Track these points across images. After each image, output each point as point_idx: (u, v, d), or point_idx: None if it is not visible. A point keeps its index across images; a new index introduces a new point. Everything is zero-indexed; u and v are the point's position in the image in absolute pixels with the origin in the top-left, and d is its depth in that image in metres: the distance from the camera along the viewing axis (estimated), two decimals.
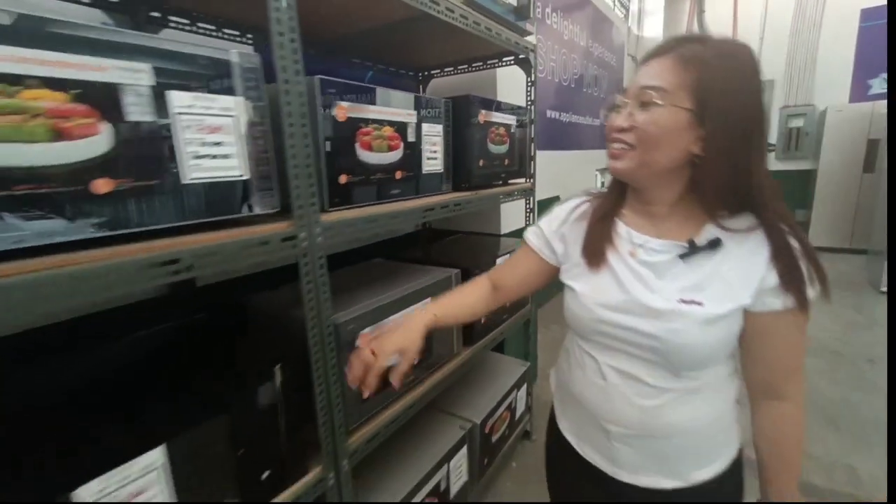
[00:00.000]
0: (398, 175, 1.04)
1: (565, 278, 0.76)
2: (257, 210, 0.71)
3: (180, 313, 1.01)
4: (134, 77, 0.55)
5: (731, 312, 0.60)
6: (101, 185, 0.53)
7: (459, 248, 1.64)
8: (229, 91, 0.65)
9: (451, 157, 1.23)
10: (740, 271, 0.60)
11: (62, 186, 0.50)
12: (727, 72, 0.57)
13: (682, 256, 0.63)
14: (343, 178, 0.89)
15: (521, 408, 1.77)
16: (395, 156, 1.02)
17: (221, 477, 0.70)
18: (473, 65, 1.76)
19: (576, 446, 0.76)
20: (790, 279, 0.58)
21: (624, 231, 0.69)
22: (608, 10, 4.41)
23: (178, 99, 0.59)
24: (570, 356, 0.77)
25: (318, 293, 0.81)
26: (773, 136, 5.33)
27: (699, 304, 0.60)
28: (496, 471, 1.63)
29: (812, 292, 0.59)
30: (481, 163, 1.32)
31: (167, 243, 0.59)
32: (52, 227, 0.50)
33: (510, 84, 1.94)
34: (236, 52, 0.66)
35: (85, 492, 0.53)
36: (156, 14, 0.98)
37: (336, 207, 0.89)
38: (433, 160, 1.15)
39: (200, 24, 1.07)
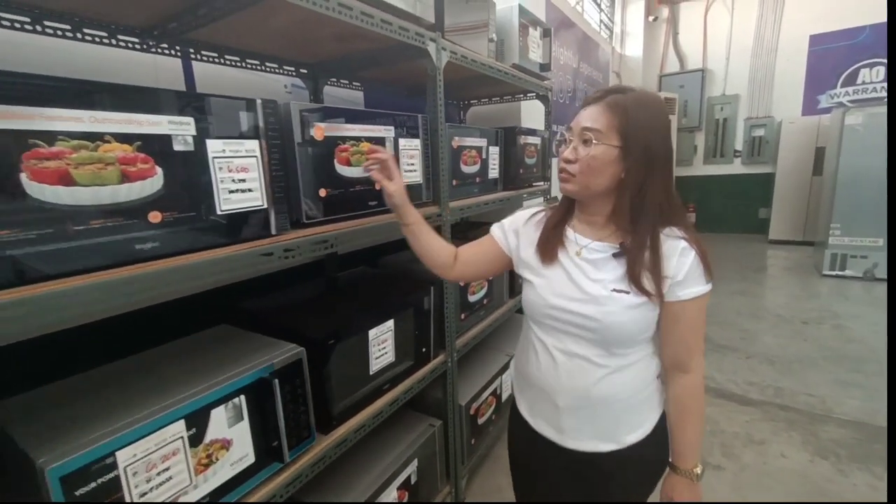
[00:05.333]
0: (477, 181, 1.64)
1: (523, 273, 0.91)
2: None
3: (343, 269, 1.59)
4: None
5: (649, 300, 0.76)
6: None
7: None
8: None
9: (503, 167, 1.83)
10: (657, 269, 0.75)
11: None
12: (642, 117, 0.73)
13: (615, 255, 0.78)
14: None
15: (507, 392, 1.95)
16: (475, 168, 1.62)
17: (409, 344, 1.28)
18: (504, 98, 2.37)
19: (530, 421, 0.92)
20: (690, 275, 0.75)
21: (572, 236, 0.84)
22: (594, 33, 5.08)
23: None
24: (526, 344, 0.92)
25: None
26: (738, 144, 6.10)
27: (626, 292, 0.76)
28: (487, 450, 1.88)
29: (705, 287, 0.76)
30: (521, 171, 1.93)
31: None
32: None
33: (530, 111, 2.56)
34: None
35: (374, 332, 1.12)
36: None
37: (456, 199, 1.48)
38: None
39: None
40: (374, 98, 1.98)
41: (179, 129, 0.69)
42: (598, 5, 5.57)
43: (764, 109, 5.83)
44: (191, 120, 0.70)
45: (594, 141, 0.75)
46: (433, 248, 0.99)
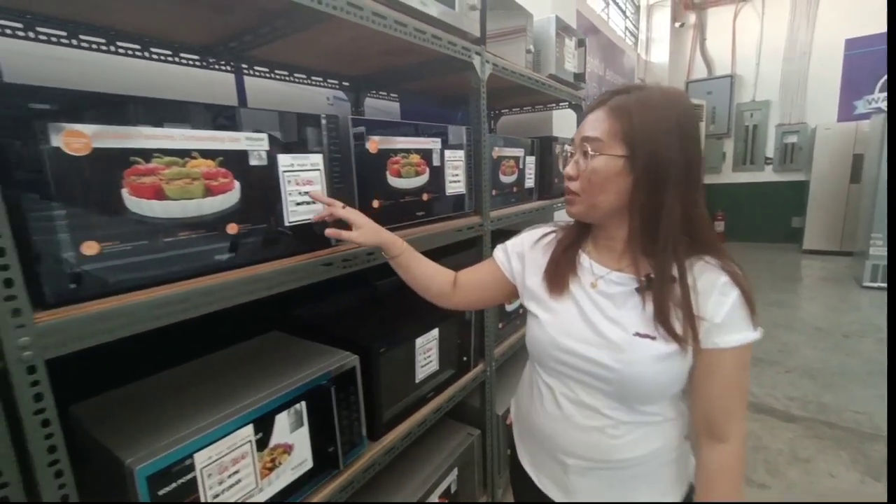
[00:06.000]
0: (515, 190, 1.65)
1: (528, 305, 0.78)
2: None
3: (382, 277, 1.61)
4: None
5: (679, 348, 0.61)
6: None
7: None
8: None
9: (538, 176, 1.84)
10: (689, 307, 0.61)
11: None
12: (649, 118, 0.61)
13: (638, 290, 0.64)
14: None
15: None
16: (514, 178, 1.63)
17: (451, 353, 1.29)
18: (536, 107, 2.38)
19: (533, 477, 0.79)
20: (731, 318, 0.61)
21: (587, 263, 0.71)
22: (619, 40, 5.05)
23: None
24: (529, 386, 0.79)
25: None
26: (769, 151, 5.94)
27: (652, 338, 0.62)
28: None
29: (751, 334, 0.61)
30: (556, 180, 1.93)
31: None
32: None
33: (561, 120, 2.56)
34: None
35: (420, 341, 1.13)
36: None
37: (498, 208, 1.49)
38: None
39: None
40: (408, 109, 2.02)
41: (255, 144, 0.72)
42: (624, 12, 5.54)
43: (797, 115, 5.68)
44: (264, 136, 0.73)
45: (593, 152, 0.64)
46: (426, 276, 0.89)
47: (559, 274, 0.73)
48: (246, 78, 1.37)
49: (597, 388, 0.67)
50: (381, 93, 1.82)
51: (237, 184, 0.71)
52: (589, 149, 0.64)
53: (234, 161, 0.70)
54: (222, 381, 0.86)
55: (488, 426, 1.51)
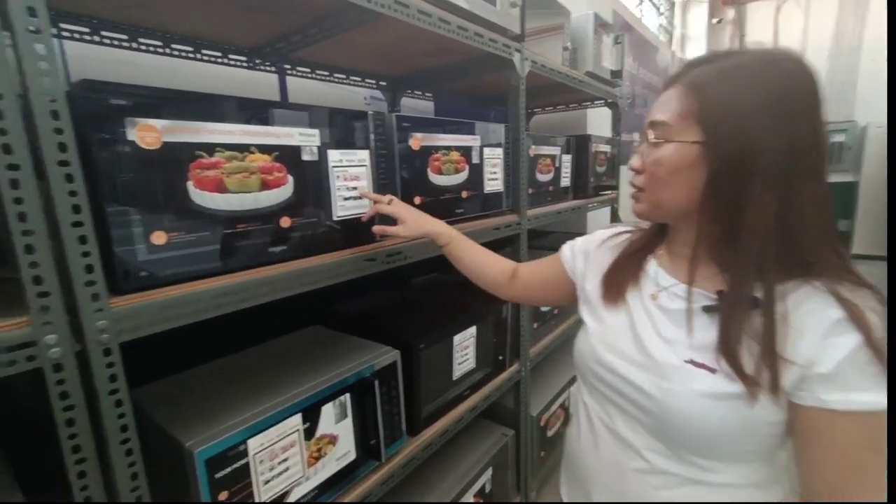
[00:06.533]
0: (550, 189, 1.63)
1: (581, 310, 0.71)
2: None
3: (415, 275, 1.62)
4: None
5: (746, 391, 0.47)
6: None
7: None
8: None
9: (574, 175, 1.81)
10: (771, 341, 0.47)
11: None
12: (730, 94, 0.48)
13: (706, 309, 0.52)
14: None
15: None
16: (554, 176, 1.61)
17: (487, 352, 1.28)
18: (570, 105, 2.34)
19: (564, 497, 0.72)
20: (847, 370, 0.44)
21: (653, 271, 0.61)
22: (653, 37, 4.92)
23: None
24: (576, 402, 0.70)
25: None
26: None
27: (711, 369, 0.50)
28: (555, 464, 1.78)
29: (879, 397, 0.43)
30: (592, 179, 1.90)
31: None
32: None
33: (595, 118, 2.52)
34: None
35: (458, 338, 1.13)
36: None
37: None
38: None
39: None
40: (442, 108, 2.03)
41: (308, 140, 0.74)
42: (658, 8, 5.41)
43: (845, 113, 5.38)
44: (316, 132, 0.75)
45: (657, 139, 0.54)
46: (479, 265, 0.87)
47: (618, 280, 0.64)
48: (287, 78, 1.41)
49: (635, 417, 0.57)
50: (416, 92, 1.84)
51: (290, 178, 0.72)
52: (652, 135, 0.54)
53: (288, 156, 0.72)
54: (270, 371, 0.88)
55: (522, 427, 1.50)
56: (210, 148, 0.61)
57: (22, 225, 0.45)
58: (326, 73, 1.43)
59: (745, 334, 0.48)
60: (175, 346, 1.07)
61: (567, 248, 0.80)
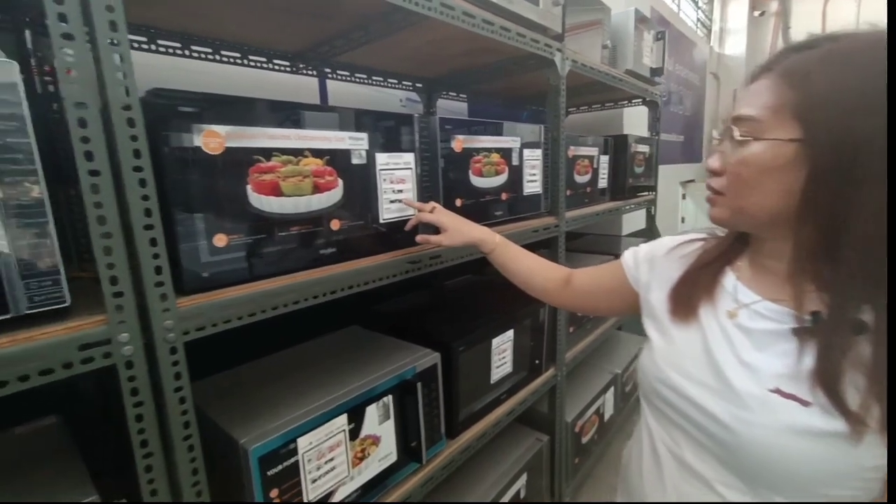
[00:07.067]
0: (589, 190, 1.60)
1: (646, 323, 0.65)
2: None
3: (451, 276, 1.62)
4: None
5: (851, 429, 0.41)
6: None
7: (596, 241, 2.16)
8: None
9: (611, 176, 1.77)
10: (880, 375, 0.41)
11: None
12: (836, 83, 0.42)
13: (798, 332, 0.46)
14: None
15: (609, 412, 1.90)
16: (588, 178, 1.58)
17: (524, 355, 1.27)
18: (605, 105, 2.29)
19: None
20: None
21: (731, 285, 0.54)
22: (690, 32, 4.76)
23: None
24: (640, 424, 0.65)
25: None
26: None
27: (803, 402, 0.44)
28: (589, 471, 1.79)
29: None
30: (630, 180, 1.85)
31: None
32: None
33: (632, 117, 2.45)
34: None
35: (497, 341, 1.12)
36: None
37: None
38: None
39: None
40: (476, 109, 2.02)
41: (357, 143, 0.75)
42: (695, 2, 5.22)
43: None
44: (365, 135, 0.76)
45: (744, 136, 0.47)
46: (526, 272, 0.85)
47: (688, 292, 0.57)
48: (329, 82, 1.43)
49: (706, 447, 0.51)
50: (450, 93, 1.84)
51: (340, 182, 0.73)
52: (738, 133, 0.47)
53: (339, 160, 0.73)
54: (313, 370, 0.90)
55: (557, 433, 1.47)
56: (267, 152, 0.63)
57: (101, 228, 0.47)
58: (364, 76, 1.45)
59: (849, 362, 0.42)
60: (218, 346, 1.11)
61: (629, 255, 0.73)
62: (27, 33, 0.79)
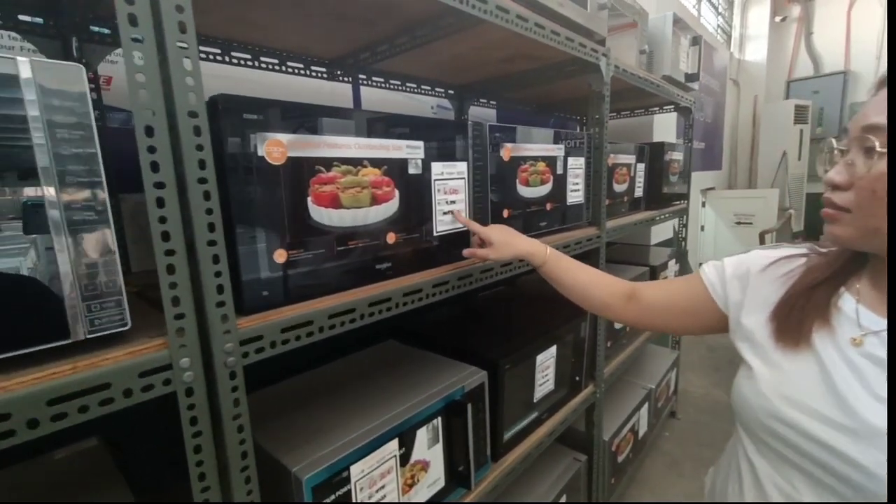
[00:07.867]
0: (625, 199, 1.54)
1: (741, 348, 0.59)
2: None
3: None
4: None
5: None
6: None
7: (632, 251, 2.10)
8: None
9: (647, 185, 1.71)
10: None
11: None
12: None
13: None
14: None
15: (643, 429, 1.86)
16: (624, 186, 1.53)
17: (565, 372, 1.21)
18: (635, 112, 2.24)
19: None
20: None
21: (851, 308, 0.50)
22: (711, 38, 4.69)
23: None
24: (731, 456, 0.61)
25: None
26: None
27: None
28: (624, 491, 1.73)
29: None
30: (664, 188, 1.79)
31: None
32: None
33: (662, 124, 2.40)
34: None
35: (541, 358, 1.07)
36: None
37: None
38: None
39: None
40: (504, 116, 1.98)
41: (414, 153, 0.71)
42: (716, 8, 5.16)
43: None
44: (421, 144, 0.72)
45: (882, 148, 0.43)
46: (582, 286, 0.79)
47: (798, 316, 0.52)
48: (363, 88, 1.40)
49: (835, 491, 0.46)
50: (481, 100, 1.80)
51: (397, 193, 0.70)
52: (877, 143, 0.43)
53: (396, 169, 0.69)
54: (356, 389, 0.85)
55: (595, 452, 1.41)
56: (328, 162, 0.59)
57: (165, 244, 0.44)
58: (398, 82, 1.42)
59: None
60: (256, 363, 1.08)
61: (711, 271, 0.66)
62: (73, 40, 0.77)
